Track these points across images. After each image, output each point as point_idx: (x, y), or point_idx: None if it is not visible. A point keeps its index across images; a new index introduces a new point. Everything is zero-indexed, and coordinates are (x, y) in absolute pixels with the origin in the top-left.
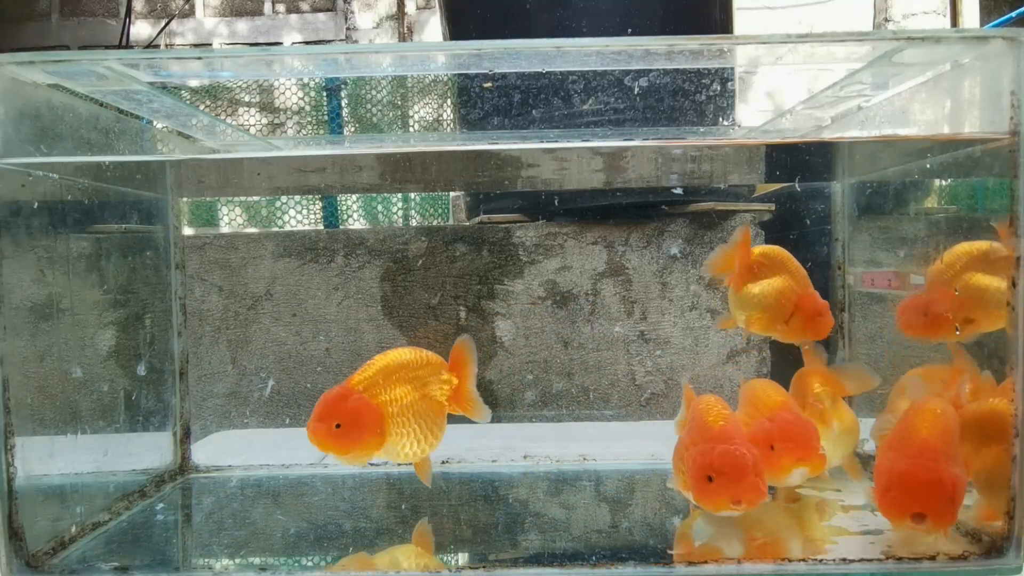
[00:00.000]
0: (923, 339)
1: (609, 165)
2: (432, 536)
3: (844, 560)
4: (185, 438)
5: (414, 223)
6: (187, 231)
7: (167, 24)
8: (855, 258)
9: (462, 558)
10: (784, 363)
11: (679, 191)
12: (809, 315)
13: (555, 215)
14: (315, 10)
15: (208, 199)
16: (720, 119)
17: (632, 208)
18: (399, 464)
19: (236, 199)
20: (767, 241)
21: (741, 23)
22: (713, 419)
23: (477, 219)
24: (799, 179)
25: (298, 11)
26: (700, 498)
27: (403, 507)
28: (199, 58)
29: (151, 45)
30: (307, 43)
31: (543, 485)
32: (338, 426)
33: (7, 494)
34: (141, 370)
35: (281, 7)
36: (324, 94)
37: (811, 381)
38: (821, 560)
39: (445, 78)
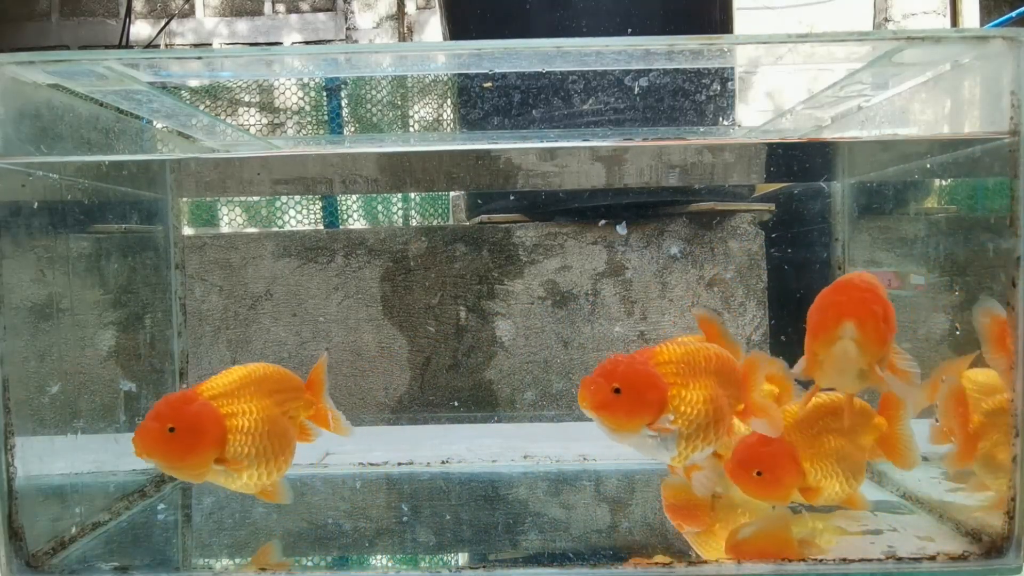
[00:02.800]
0: None
1: (609, 164)
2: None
3: (844, 560)
4: None
5: (414, 223)
6: (187, 231)
7: (167, 24)
8: (855, 258)
9: (462, 558)
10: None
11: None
12: None
13: (554, 215)
14: (315, 10)
15: (208, 199)
16: (720, 119)
17: (632, 208)
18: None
19: (236, 199)
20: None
21: (741, 23)
22: None
23: (477, 219)
24: (797, 179)
25: (298, 11)
26: None
27: (403, 507)
28: (199, 58)
29: (151, 45)
30: (307, 43)
31: (543, 485)
32: (172, 430)
33: (7, 494)
34: (125, 386)
35: (281, 7)
36: (324, 94)
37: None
38: (821, 560)
39: (445, 78)
